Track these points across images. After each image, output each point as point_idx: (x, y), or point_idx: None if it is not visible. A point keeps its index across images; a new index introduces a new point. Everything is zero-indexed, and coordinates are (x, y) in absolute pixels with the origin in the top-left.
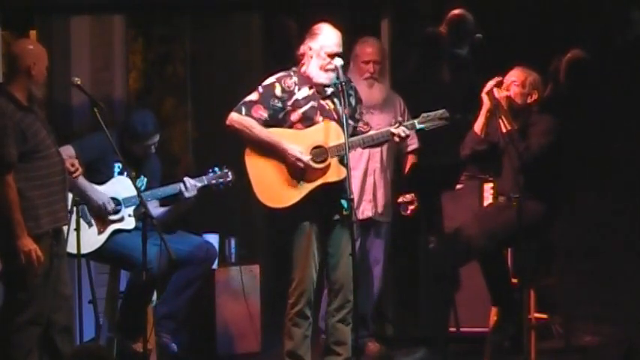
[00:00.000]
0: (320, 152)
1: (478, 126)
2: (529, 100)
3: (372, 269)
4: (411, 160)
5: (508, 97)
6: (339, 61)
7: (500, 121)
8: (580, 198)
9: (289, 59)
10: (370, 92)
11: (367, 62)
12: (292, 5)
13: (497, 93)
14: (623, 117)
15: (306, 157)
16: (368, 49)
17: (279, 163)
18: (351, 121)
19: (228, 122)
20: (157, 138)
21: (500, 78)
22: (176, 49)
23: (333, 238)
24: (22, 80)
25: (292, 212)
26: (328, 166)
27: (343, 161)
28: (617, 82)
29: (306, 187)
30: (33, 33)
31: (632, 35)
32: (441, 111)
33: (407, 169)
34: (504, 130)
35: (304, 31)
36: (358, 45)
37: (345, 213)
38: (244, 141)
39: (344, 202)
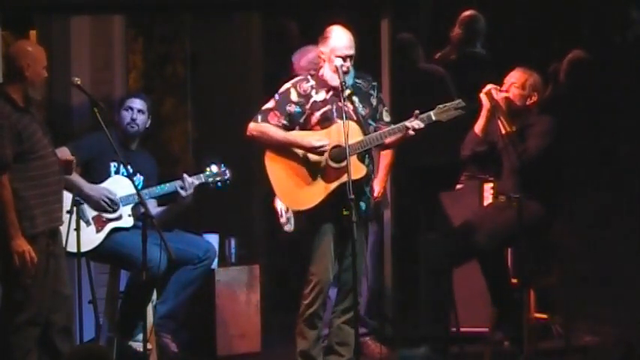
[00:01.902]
0: (339, 152)
1: (478, 127)
2: (528, 102)
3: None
4: (387, 156)
5: (507, 99)
6: (339, 62)
7: (499, 122)
8: (580, 198)
9: (289, 59)
10: None
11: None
12: (292, 5)
13: (495, 94)
14: (623, 117)
15: (326, 141)
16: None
17: (299, 165)
18: (371, 122)
19: (247, 133)
20: (139, 104)
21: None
22: (176, 49)
23: (350, 238)
24: (18, 81)
25: (312, 213)
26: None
27: (363, 159)
28: (617, 82)
29: (328, 187)
30: (33, 33)
31: (632, 35)
32: (457, 101)
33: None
34: (503, 132)
35: (304, 31)
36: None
37: (345, 214)
38: (264, 146)
39: (362, 204)
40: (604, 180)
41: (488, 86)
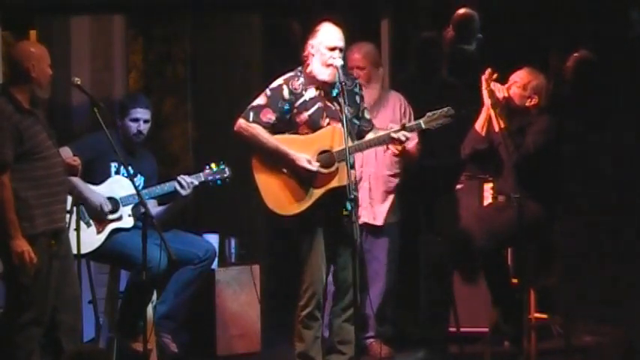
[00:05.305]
0: (327, 157)
1: (479, 124)
2: (528, 103)
3: (374, 269)
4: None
5: (507, 97)
6: (339, 62)
7: (494, 119)
8: (580, 198)
9: (290, 59)
10: None
11: (351, 68)
12: (292, 6)
13: (497, 92)
14: (622, 116)
15: (315, 166)
16: (352, 55)
17: (287, 170)
18: (355, 121)
19: (236, 129)
20: (145, 114)
21: (491, 71)
22: (176, 49)
23: (343, 238)
24: (24, 83)
25: (301, 216)
26: (336, 171)
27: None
28: (617, 82)
29: (316, 193)
30: (33, 33)
31: (632, 35)
32: (445, 109)
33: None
34: (497, 129)
35: (306, 31)
36: (348, 50)
37: (345, 213)
38: (252, 148)
39: (349, 205)
40: (605, 179)
41: (485, 79)
